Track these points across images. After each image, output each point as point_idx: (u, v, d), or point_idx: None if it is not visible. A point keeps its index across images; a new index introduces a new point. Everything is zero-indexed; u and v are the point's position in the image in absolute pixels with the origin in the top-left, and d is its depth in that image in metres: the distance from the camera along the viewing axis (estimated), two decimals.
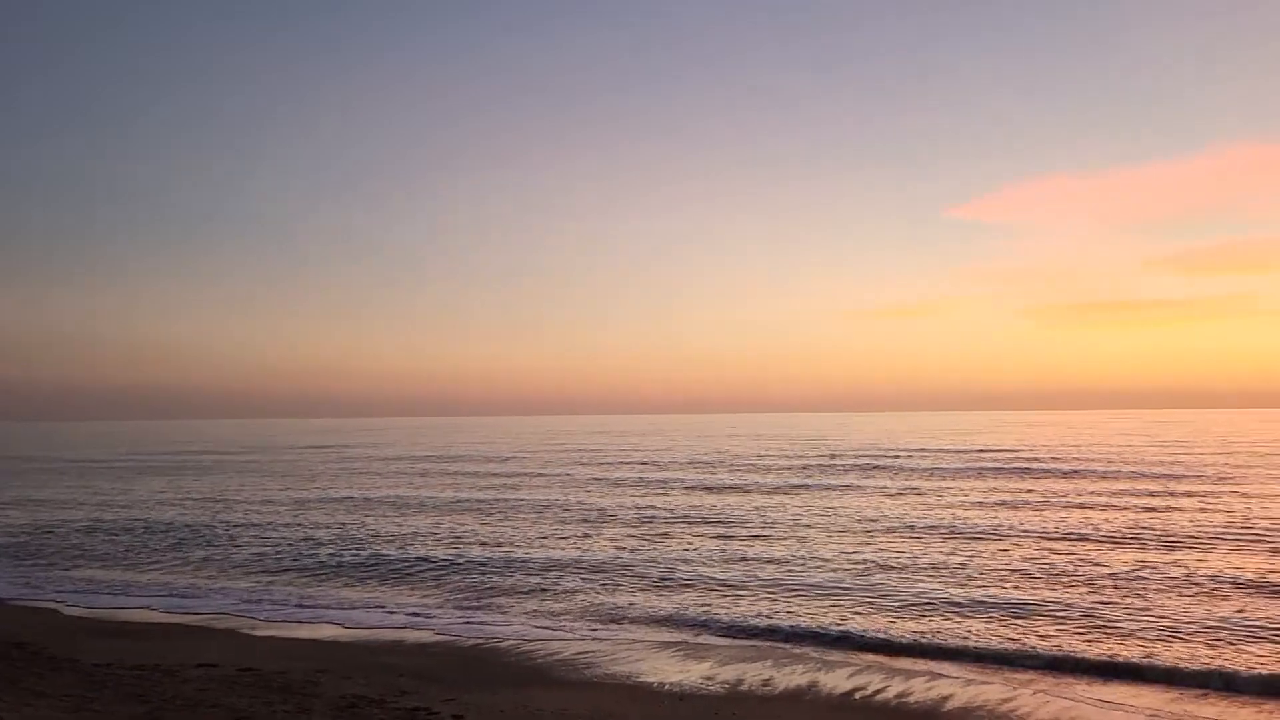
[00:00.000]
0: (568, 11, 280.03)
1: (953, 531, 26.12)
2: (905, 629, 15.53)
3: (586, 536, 26.75)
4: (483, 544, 25.50)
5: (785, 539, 25.42)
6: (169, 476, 54.64)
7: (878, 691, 12.38)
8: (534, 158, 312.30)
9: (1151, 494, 35.14)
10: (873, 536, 25.50)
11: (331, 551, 24.63)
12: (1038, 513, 30.14)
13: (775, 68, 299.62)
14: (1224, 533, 24.80)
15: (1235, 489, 36.43)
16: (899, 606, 17.11)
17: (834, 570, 20.73)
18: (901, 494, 37.10)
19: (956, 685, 12.55)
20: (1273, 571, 19.45)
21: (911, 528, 26.99)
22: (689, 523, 29.36)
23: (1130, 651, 13.91)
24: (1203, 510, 29.83)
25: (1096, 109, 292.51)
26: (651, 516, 31.00)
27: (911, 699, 12.06)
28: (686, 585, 19.54)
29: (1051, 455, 59.55)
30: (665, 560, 22.39)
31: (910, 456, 60.76)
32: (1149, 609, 16.47)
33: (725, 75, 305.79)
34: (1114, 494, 35.42)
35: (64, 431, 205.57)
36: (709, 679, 12.98)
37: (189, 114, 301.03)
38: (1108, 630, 15.12)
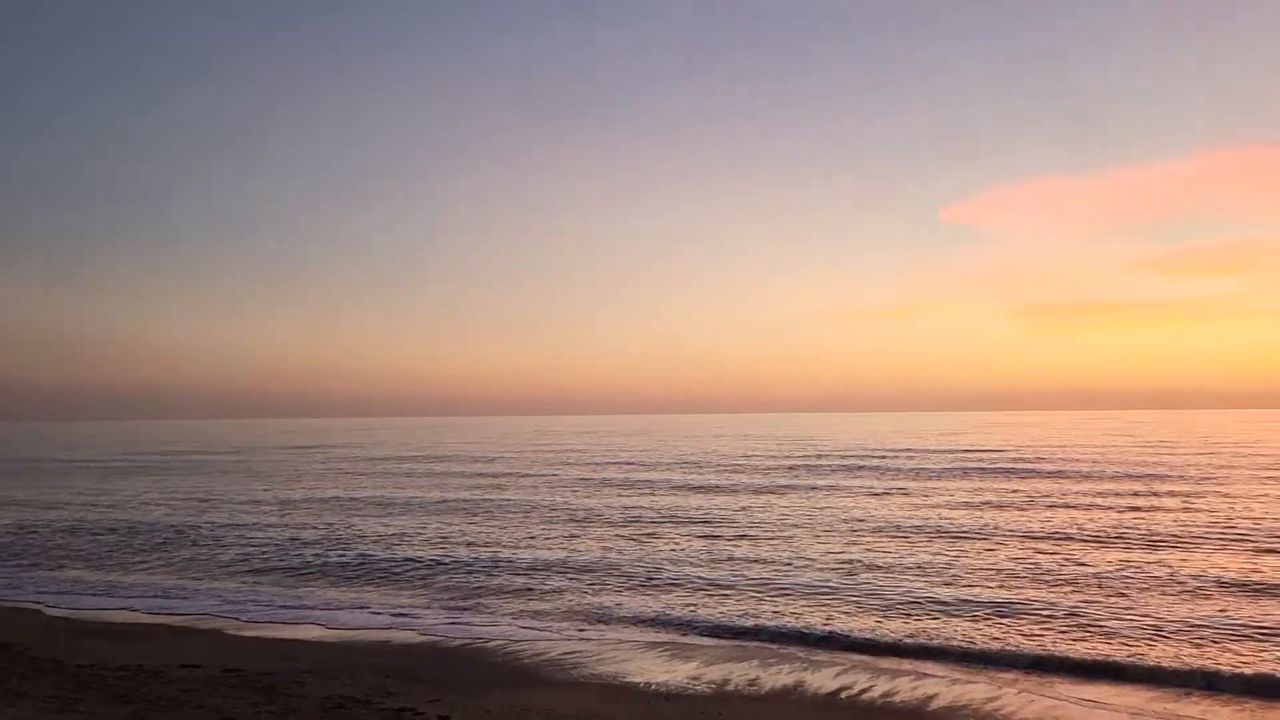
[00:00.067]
0: (566, 11, 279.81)
1: (938, 531, 26.21)
2: (891, 629, 15.58)
3: (573, 537, 26.75)
4: (469, 544, 25.46)
5: (772, 539, 25.47)
6: (156, 476, 54.40)
7: (864, 691, 12.42)
8: (532, 158, 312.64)
9: (1136, 494, 35.33)
10: (859, 536, 25.57)
11: (317, 552, 24.56)
12: (1023, 513, 30.27)
13: (769, 70, 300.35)
14: (1207, 533, 24.95)
15: (1218, 489, 36.65)
16: (885, 606, 17.16)
17: (820, 570, 20.78)
18: (888, 494, 37.20)
19: (942, 684, 12.60)
20: (1255, 571, 19.59)
21: (898, 528, 27.07)
22: (676, 523, 29.38)
23: (1114, 651, 13.99)
24: (1186, 510, 30.00)
25: (1082, 113, 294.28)
26: (638, 517, 31.01)
27: (897, 698, 12.11)
28: (673, 585, 19.56)
29: (1037, 455, 59.80)
30: (652, 560, 22.40)
31: (896, 457, 60.93)
32: (1133, 609, 16.56)
33: (719, 76, 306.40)
34: (1098, 494, 35.60)
35: (57, 431, 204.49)
36: (695, 679, 13.00)
37: (186, 114, 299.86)
38: (1092, 630, 15.20)
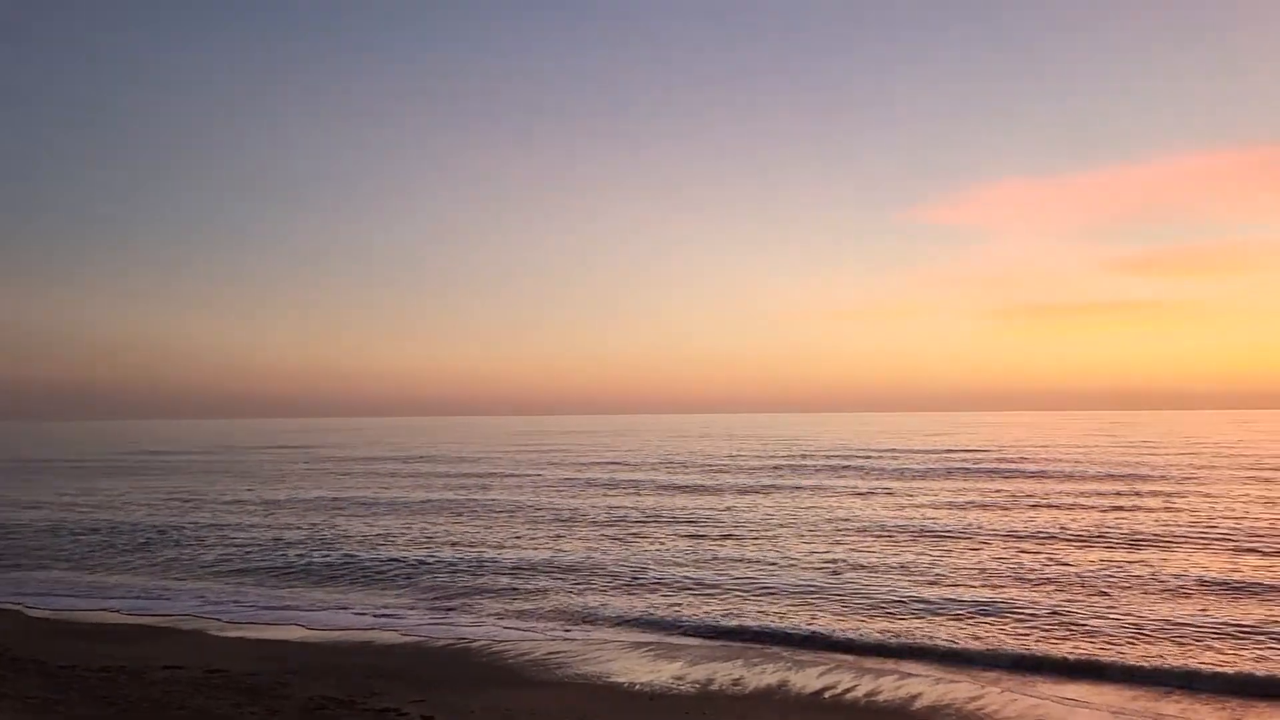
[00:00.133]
0: (563, 13, 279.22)
1: (922, 531, 26.31)
2: (875, 628, 15.64)
3: (558, 537, 26.73)
4: (454, 544, 25.42)
5: (756, 539, 25.52)
6: (139, 476, 54.09)
7: (848, 690, 12.46)
8: (529, 160, 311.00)
9: (1118, 494, 35.53)
10: (843, 536, 25.64)
11: (301, 552, 24.47)
12: (1006, 512, 30.41)
13: (741, 71, 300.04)
14: (1188, 532, 25.12)
15: (1199, 489, 36.91)
16: (869, 606, 17.22)
17: (805, 570, 20.83)
18: (872, 494, 37.31)
19: (926, 684, 12.65)
20: (1235, 570, 19.74)
21: (882, 527, 27.15)
22: (660, 523, 29.40)
23: (1096, 650, 14.08)
24: (1168, 510, 30.20)
25: (1059, 115, 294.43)
26: (623, 517, 31.02)
27: (881, 697, 12.15)
28: (658, 585, 19.58)
29: (1019, 455, 60.08)
30: (637, 560, 22.41)
31: (880, 457, 61.11)
32: (1115, 608, 16.67)
33: (692, 79, 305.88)
34: (1081, 494, 35.79)
35: (38, 430, 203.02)
36: (680, 679, 13.02)
37: (175, 114, 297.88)
38: (1074, 629, 15.29)
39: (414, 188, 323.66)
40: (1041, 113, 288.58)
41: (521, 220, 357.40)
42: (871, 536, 25.57)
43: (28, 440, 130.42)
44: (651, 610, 17.33)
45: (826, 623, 16.06)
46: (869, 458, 60.32)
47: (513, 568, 21.78)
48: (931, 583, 19.15)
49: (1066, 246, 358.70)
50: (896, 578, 19.73)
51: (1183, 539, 24.09)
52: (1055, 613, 16.35)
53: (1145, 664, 13.30)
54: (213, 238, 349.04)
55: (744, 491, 39.21)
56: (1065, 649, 14.17)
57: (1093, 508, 31.24)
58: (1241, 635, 14.65)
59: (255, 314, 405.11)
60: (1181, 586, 18.31)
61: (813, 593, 18.43)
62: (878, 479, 44.48)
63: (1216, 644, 14.20)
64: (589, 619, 16.92)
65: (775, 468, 52.95)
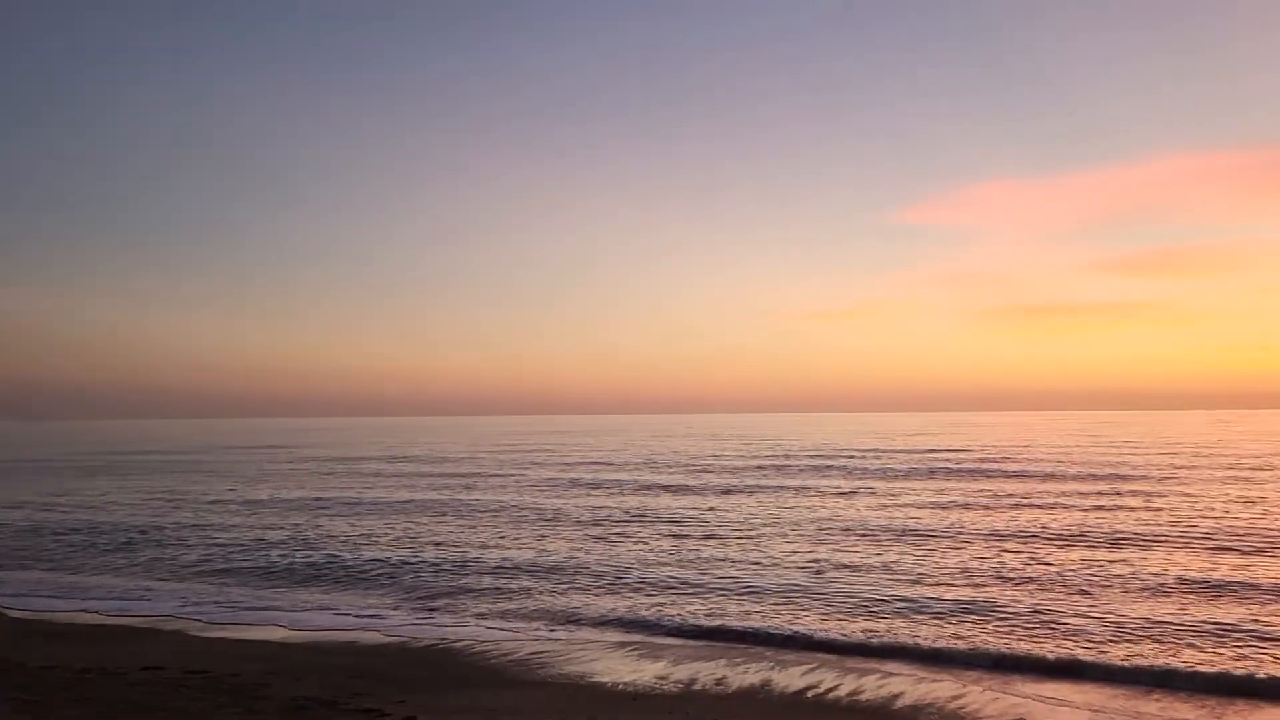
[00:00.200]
0: (541, 17, 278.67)
1: (905, 531, 26.39)
2: (858, 628, 15.68)
3: (541, 537, 26.70)
4: (437, 545, 25.36)
5: (739, 539, 25.55)
6: (120, 476, 53.74)
7: (830, 689, 12.49)
8: (501, 161, 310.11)
9: (1099, 494, 35.74)
10: (826, 536, 25.70)
11: (283, 552, 24.37)
12: (988, 512, 30.54)
13: (737, 74, 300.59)
14: (1169, 532, 25.28)
15: (1180, 489, 37.15)
16: (852, 606, 17.26)
17: (788, 570, 20.86)
18: (855, 494, 37.41)
19: (908, 683, 12.70)
20: (1215, 570, 19.87)
21: (865, 527, 27.23)
22: (644, 523, 29.41)
23: (1077, 649, 14.15)
24: (1148, 509, 30.38)
25: (1043, 115, 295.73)
26: (607, 517, 31.01)
27: (863, 696, 12.19)
28: (641, 586, 19.57)
29: (1002, 455, 60.36)
30: (620, 561, 22.41)
31: (863, 457, 61.29)
32: (1096, 607, 16.75)
33: (688, 83, 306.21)
34: (1062, 494, 35.98)
35: (19, 430, 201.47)
36: (663, 678, 13.02)
37: (175, 114, 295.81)
38: (1056, 628, 15.37)
39: (414, 188, 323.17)
40: (1024, 114, 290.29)
41: (520, 220, 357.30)
42: (855, 536, 25.64)
43: (17, 440, 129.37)
44: (635, 610, 17.33)
45: (809, 622, 16.10)
46: (851, 458, 60.48)
47: (496, 568, 21.74)
48: (914, 582, 19.22)
49: (1057, 247, 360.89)
50: (879, 577, 19.79)
51: (1163, 538, 24.25)
52: (1037, 612, 16.43)
53: (1126, 663, 13.39)
54: (213, 238, 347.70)
55: (728, 491, 39.26)
56: (1047, 648, 14.24)
57: (1074, 507, 31.41)
58: (1221, 634, 14.75)
59: (255, 314, 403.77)
60: (1162, 585, 18.43)
61: (796, 592, 18.46)
62: (861, 479, 44.61)
63: (1196, 642, 14.30)
64: (572, 619, 16.91)
65: (759, 468, 53.04)
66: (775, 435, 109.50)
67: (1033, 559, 21.64)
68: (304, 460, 68.81)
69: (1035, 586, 18.66)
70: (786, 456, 62.69)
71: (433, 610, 17.90)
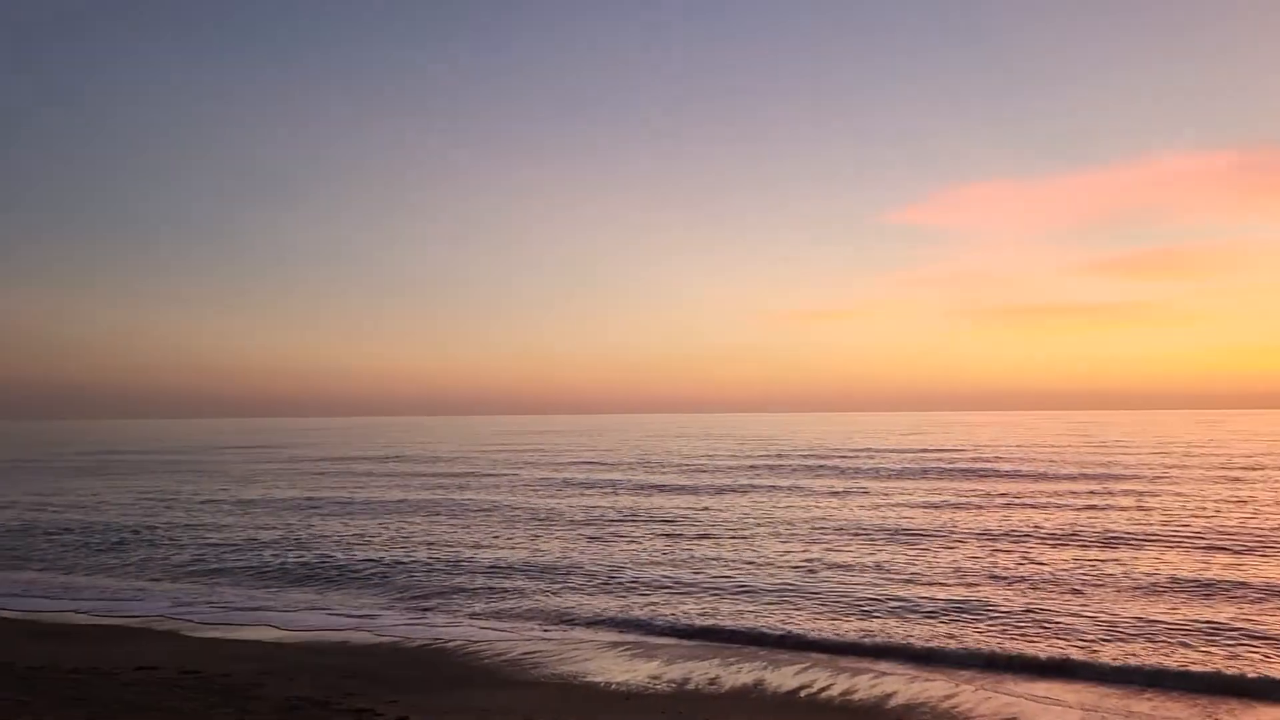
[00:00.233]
0: (534, 19, 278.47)
1: (898, 531, 26.43)
2: (851, 628, 15.70)
3: (535, 537, 26.69)
4: (430, 545, 25.34)
5: (732, 539, 25.57)
6: (112, 476, 53.60)
7: (823, 689, 12.51)
8: (509, 165, 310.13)
9: (1091, 493, 35.82)
10: (820, 536, 25.72)
11: (276, 552, 24.33)
12: (980, 512, 30.60)
13: (729, 75, 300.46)
14: (1160, 531, 25.35)
15: (1171, 488, 37.26)
16: (845, 605, 17.28)
17: (781, 569, 20.88)
18: (848, 494, 37.45)
19: (900, 682, 12.72)
20: (1206, 569, 19.93)
21: (858, 527, 27.26)
22: (637, 522, 29.41)
23: (1070, 649, 14.19)
24: (1140, 509, 30.46)
25: (1034, 117, 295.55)
26: (600, 516, 31.01)
27: (856, 696, 12.21)
28: (634, 585, 19.58)
29: (994, 455, 60.47)
30: (613, 560, 22.42)
31: (856, 456, 61.35)
32: (1088, 606, 16.80)
33: (679, 85, 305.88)
34: (1054, 493, 36.05)
35: (29, 431, 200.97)
36: (656, 678, 13.03)
37: (175, 115, 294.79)
38: (1048, 627, 15.41)
39: (415, 188, 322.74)
40: (1015, 116, 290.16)
41: (521, 221, 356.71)
42: (848, 536, 25.68)
43: (13, 440, 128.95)
44: (628, 610, 17.34)
45: (802, 622, 16.12)
46: (844, 457, 60.54)
47: (489, 568, 21.73)
48: (907, 582, 19.25)
49: (1056, 247, 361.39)
50: (872, 577, 19.82)
51: (1155, 538, 24.31)
52: (1029, 611, 16.47)
53: (1118, 662, 13.42)
54: (214, 238, 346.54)
55: (721, 491, 39.28)
56: (1039, 647, 14.27)
57: (1066, 507, 31.49)
58: (1213, 633, 14.80)
59: (256, 314, 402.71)
60: (1154, 585, 18.48)
61: (789, 592, 18.48)
62: (854, 479, 44.67)
63: (1188, 642, 14.34)
64: (565, 619, 16.91)
65: (752, 467, 53.06)
66: (769, 435, 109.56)
67: (1025, 558, 21.69)
68: (296, 460, 68.67)
69: (1028, 586, 18.70)
70: (779, 456, 62.74)
71: (426, 610, 17.89)
